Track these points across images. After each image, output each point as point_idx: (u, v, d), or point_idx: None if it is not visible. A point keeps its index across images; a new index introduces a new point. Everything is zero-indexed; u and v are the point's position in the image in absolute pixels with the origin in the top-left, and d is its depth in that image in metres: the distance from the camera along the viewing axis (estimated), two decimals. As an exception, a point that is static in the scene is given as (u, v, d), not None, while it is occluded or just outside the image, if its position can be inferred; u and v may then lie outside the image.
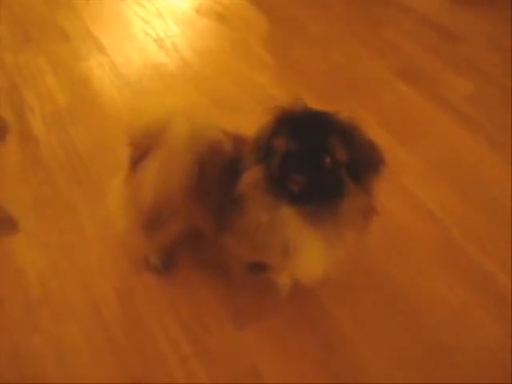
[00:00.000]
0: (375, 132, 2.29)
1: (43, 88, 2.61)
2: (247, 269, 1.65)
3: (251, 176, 1.30)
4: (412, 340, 1.67)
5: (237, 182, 1.31)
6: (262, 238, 1.33)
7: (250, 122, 1.33)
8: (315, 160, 1.20)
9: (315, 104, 2.38)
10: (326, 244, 1.31)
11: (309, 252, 1.33)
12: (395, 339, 1.68)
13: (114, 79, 2.65)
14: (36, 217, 2.04)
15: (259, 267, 1.58)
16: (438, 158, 2.23)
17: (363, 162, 1.24)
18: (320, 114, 1.26)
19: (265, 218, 1.29)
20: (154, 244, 1.78)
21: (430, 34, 2.91)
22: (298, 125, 1.23)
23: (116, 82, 2.63)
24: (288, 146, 1.22)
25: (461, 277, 1.82)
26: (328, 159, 1.20)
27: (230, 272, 1.70)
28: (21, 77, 2.69)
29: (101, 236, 1.96)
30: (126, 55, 2.81)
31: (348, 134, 1.23)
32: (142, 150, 1.47)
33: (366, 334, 1.69)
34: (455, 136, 2.33)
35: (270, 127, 1.28)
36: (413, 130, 2.37)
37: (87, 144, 2.31)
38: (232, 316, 1.73)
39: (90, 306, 1.78)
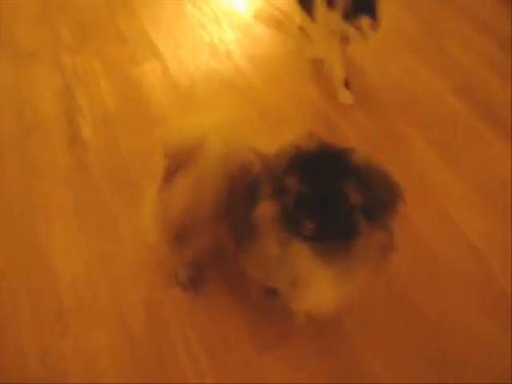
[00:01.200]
0: (421, 149, 2.26)
1: (96, 91, 2.64)
2: (262, 292, 1.66)
3: (265, 208, 1.28)
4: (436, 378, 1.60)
5: (256, 205, 1.31)
6: (272, 268, 1.34)
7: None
8: (328, 206, 1.17)
9: (362, 117, 2.35)
10: (336, 280, 1.29)
11: (317, 287, 1.32)
12: (420, 378, 1.60)
13: (165, 85, 2.64)
14: (76, 223, 2.06)
15: (272, 292, 1.58)
16: (484, 183, 2.09)
17: (379, 203, 1.20)
18: (334, 155, 1.21)
19: (276, 250, 1.28)
20: (181, 259, 1.79)
21: (491, 45, 2.73)
22: (310, 166, 1.19)
23: (167, 89, 2.62)
24: (300, 189, 1.18)
25: (496, 316, 1.71)
26: (342, 206, 1.17)
27: (247, 292, 1.69)
28: (75, 78, 2.73)
29: (136, 246, 1.97)
30: (179, 60, 2.79)
31: (363, 177, 1.18)
32: (177, 164, 1.47)
33: (389, 369, 1.62)
34: (506, 161, 2.17)
35: (284, 165, 1.24)
36: (461, 150, 2.24)
37: (133, 151, 2.32)
38: (253, 338, 1.72)
39: (117, 315, 1.80)
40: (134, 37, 2.98)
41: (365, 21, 2.11)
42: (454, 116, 2.40)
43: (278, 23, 3.01)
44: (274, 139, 1.45)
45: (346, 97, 2.49)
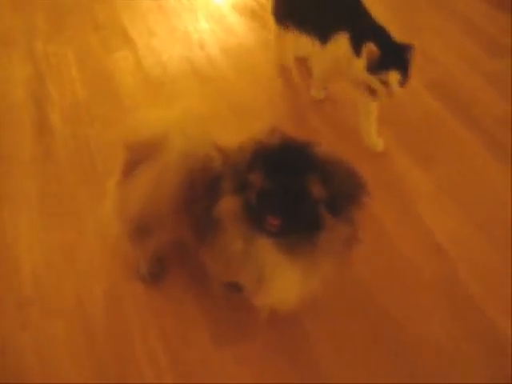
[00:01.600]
0: (393, 146, 2.23)
1: (67, 80, 2.61)
2: (223, 286, 1.65)
3: (228, 204, 1.28)
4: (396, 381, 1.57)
5: (218, 201, 1.30)
6: (237, 263, 1.33)
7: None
8: (291, 201, 1.17)
9: (334, 112, 2.32)
10: (301, 274, 1.29)
11: (283, 282, 1.31)
12: (379, 377, 1.58)
13: (136, 74, 2.62)
14: (39, 213, 2.05)
15: (234, 287, 1.58)
16: (456, 183, 2.07)
17: (343, 196, 1.22)
18: (297, 149, 1.21)
19: (240, 245, 1.28)
20: (142, 252, 1.77)
21: (472, 44, 2.70)
22: (274, 161, 1.20)
23: (138, 78, 2.60)
24: (263, 184, 1.18)
25: (460, 321, 1.68)
26: (306, 200, 1.17)
27: (210, 287, 1.66)
28: (47, 65, 2.70)
29: (99, 238, 1.95)
30: (152, 49, 2.77)
31: (326, 171, 1.19)
32: (137, 158, 1.47)
33: (348, 370, 1.60)
34: (479, 161, 2.15)
35: (247, 160, 1.24)
36: (434, 149, 2.21)
37: (100, 141, 2.29)
38: (213, 334, 1.70)
39: (76, 307, 1.78)
40: (108, 25, 2.95)
41: (393, 76, 1.89)
42: (430, 115, 2.37)
43: (254, 15, 2.99)
44: (243, 132, 1.44)
45: (318, 91, 2.48)
